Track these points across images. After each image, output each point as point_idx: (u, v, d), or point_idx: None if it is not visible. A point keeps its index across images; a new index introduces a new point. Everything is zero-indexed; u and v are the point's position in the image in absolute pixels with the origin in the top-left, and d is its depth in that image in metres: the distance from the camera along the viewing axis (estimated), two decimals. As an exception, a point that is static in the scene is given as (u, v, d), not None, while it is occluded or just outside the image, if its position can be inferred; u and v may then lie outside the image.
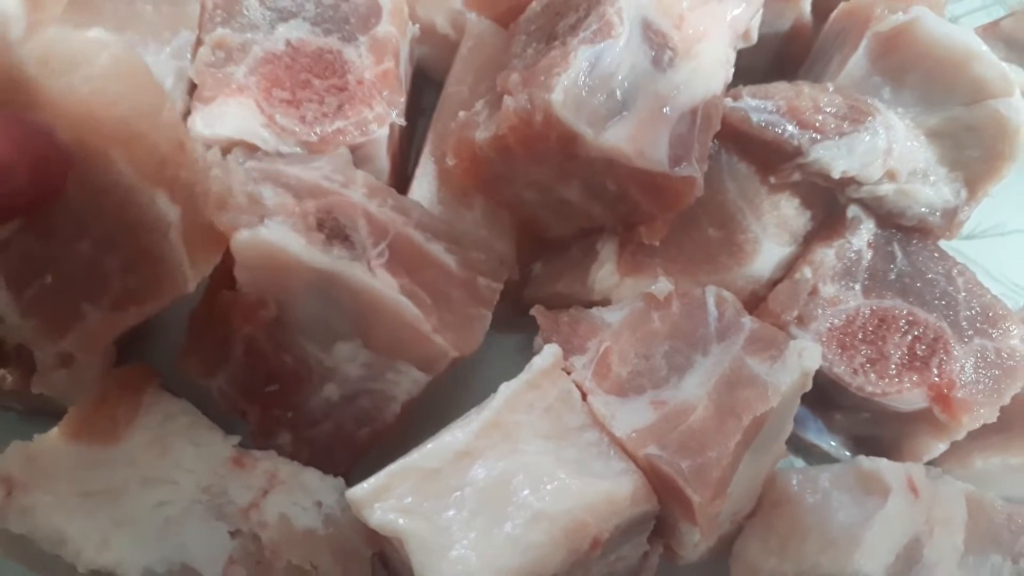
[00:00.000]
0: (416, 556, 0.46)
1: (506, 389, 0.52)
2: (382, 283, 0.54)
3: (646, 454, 0.51)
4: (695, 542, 0.54)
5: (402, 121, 0.66)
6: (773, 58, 0.80)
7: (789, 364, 0.52)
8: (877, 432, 0.66)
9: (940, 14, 0.74)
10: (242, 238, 0.52)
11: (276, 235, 0.52)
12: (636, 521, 0.52)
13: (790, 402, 0.55)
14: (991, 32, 0.78)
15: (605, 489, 0.50)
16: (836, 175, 0.62)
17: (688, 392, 0.53)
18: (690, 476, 0.49)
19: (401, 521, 0.47)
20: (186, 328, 0.61)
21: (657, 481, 0.52)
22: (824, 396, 0.65)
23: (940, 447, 0.64)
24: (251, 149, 0.62)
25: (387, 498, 0.48)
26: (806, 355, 0.52)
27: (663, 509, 0.53)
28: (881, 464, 0.59)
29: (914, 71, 0.62)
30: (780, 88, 0.63)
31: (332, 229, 0.55)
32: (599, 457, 0.52)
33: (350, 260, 0.54)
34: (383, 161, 0.66)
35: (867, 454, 0.67)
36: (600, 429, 0.53)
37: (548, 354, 0.54)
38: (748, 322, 0.56)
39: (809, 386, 0.54)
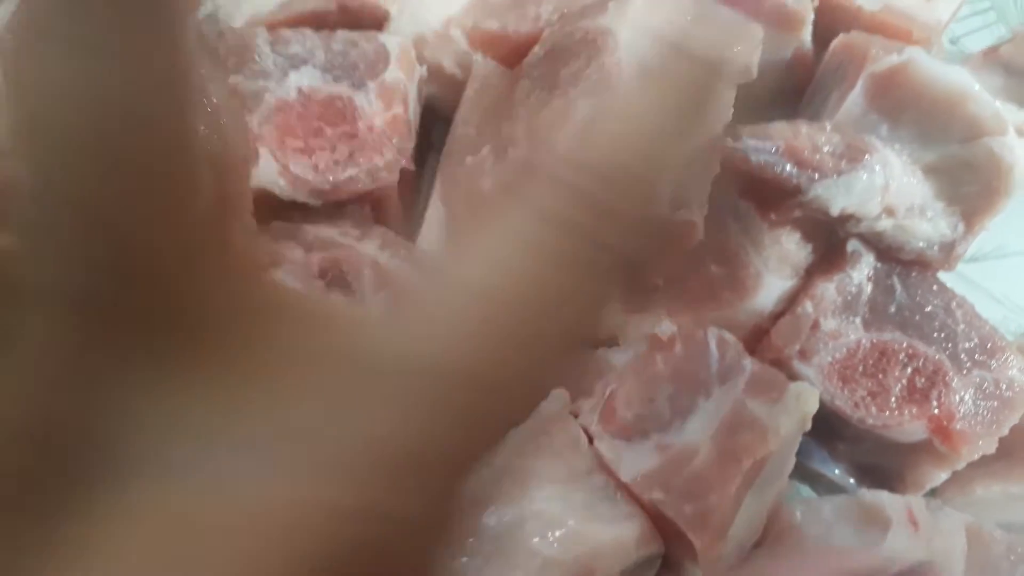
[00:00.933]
0: (431, 602, 0.49)
1: (515, 435, 0.54)
2: (378, 325, 0.56)
3: (651, 499, 0.53)
4: (701, 581, 0.56)
5: (412, 167, 0.68)
6: (776, 86, 0.81)
7: (788, 407, 0.54)
8: (880, 461, 0.68)
9: (937, 43, 0.76)
10: (243, 284, 0.54)
11: (274, 282, 0.55)
12: (642, 563, 0.54)
13: (791, 443, 0.56)
14: (991, 58, 0.79)
15: (612, 534, 0.52)
16: (835, 212, 0.63)
17: (691, 435, 0.55)
18: (692, 521, 0.51)
19: (416, 568, 0.49)
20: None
21: (662, 523, 0.54)
22: (827, 427, 0.66)
23: (942, 476, 0.66)
24: (268, 200, 0.64)
25: (402, 545, 0.50)
26: (803, 398, 0.54)
27: (668, 548, 0.55)
28: (882, 497, 0.61)
29: (910, 110, 0.64)
30: (779, 128, 0.64)
31: (334, 277, 0.58)
32: (606, 500, 0.54)
33: None
34: (395, 205, 0.68)
35: (871, 482, 0.68)
36: (607, 473, 0.55)
37: (555, 399, 0.56)
38: (749, 364, 0.57)
39: (808, 427, 0.56)
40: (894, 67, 0.62)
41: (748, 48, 0.65)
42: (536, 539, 0.50)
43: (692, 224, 0.58)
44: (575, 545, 0.50)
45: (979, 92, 0.61)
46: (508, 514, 0.51)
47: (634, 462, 0.55)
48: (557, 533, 0.51)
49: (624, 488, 0.54)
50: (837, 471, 0.70)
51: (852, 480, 0.70)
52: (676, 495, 0.52)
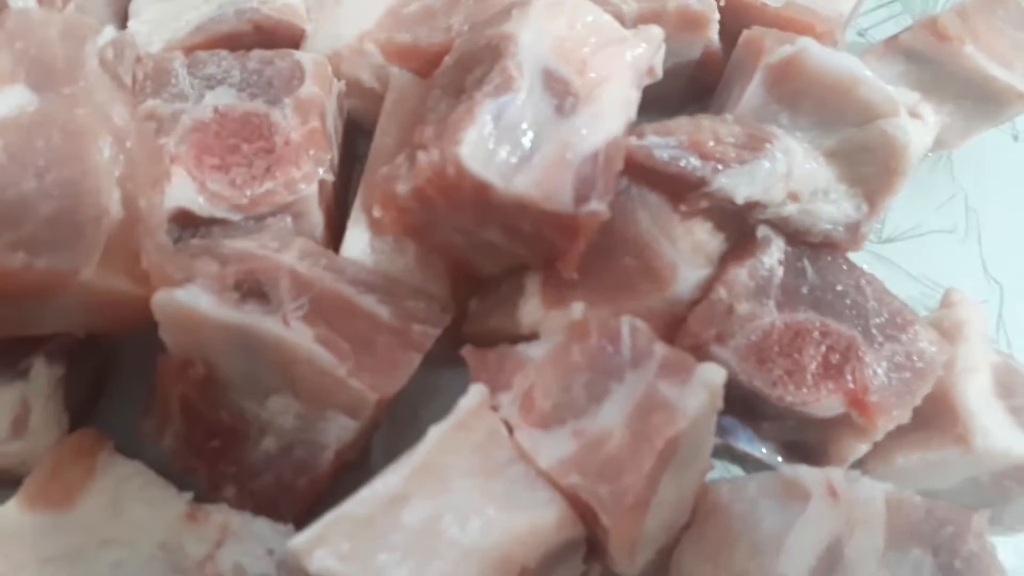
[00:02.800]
0: (353, 599, 0.49)
1: (435, 431, 0.55)
2: (296, 333, 0.59)
3: (568, 484, 0.54)
4: (625, 563, 0.57)
5: (331, 177, 0.69)
6: (687, 85, 0.84)
7: (696, 386, 0.56)
8: (804, 437, 0.70)
9: (840, 36, 0.79)
10: (158, 300, 0.56)
11: (189, 296, 0.57)
12: (564, 547, 0.55)
13: (704, 422, 0.58)
14: (892, 46, 0.82)
15: (530, 520, 0.53)
16: (740, 201, 0.65)
17: (605, 420, 0.56)
18: (607, 502, 0.52)
19: (338, 567, 0.50)
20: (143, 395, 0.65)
21: (582, 507, 0.55)
22: (750, 407, 0.68)
23: (862, 448, 0.68)
24: (188, 217, 0.65)
25: (325, 546, 0.51)
26: (708, 376, 0.55)
27: (593, 532, 0.57)
28: (801, 471, 0.62)
29: (807, 97, 0.66)
30: (681, 123, 0.66)
31: (249, 288, 0.59)
32: (526, 489, 0.55)
33: (263, 314, 0.59)
34: (316, 216, 0.69)
35: (797, 459, 0.70)
36: (526, 462, 0.56)
37: (474, 394, 0.57)
38: (659, 348, 0.59)
39: (720, 405, 0.58)
40: (787, 57, 0.65)
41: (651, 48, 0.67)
42: (455, 530, 0.51)
43: (595, 214, 0.60)
44: (493, 533, 0.51)
45: (869, 77, 0.64)
46: (427, 509, 0.52)
47: (552, 449, 0.56)
48: (475, 523, 0.52)
49: (543, 475, 0.56)
50: (764, 450, 0.71)
51: (779, 458, 0.71)
52: (592, 478, 0.54)
